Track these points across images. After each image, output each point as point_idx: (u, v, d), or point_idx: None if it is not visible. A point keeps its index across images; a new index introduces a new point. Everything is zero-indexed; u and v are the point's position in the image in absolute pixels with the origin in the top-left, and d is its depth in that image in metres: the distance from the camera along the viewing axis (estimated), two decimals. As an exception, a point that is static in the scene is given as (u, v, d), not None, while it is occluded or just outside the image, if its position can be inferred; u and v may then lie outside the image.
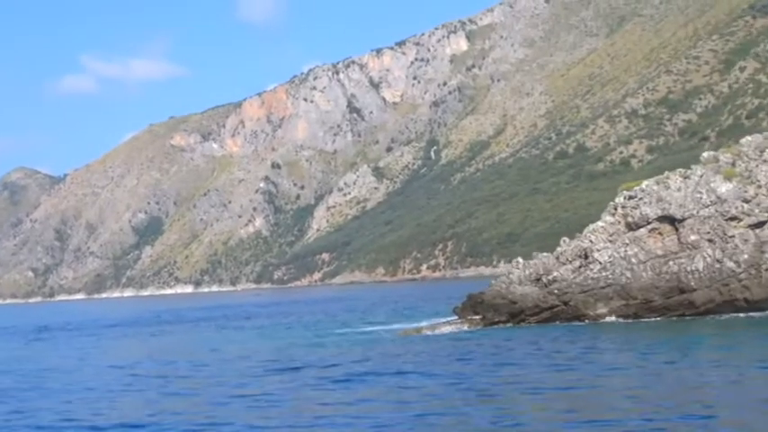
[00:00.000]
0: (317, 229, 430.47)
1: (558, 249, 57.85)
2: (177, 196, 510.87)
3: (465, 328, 57.30)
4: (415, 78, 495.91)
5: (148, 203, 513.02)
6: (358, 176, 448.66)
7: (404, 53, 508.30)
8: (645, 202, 54.77)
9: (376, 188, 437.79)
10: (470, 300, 60.68)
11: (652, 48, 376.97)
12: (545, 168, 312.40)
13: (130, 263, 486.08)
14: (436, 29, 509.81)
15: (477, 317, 58.74)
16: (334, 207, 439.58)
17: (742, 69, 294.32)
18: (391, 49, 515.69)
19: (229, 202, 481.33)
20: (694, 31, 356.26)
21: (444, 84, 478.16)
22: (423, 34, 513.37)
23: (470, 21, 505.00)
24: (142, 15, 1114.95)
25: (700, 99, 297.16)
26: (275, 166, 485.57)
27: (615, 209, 56.89)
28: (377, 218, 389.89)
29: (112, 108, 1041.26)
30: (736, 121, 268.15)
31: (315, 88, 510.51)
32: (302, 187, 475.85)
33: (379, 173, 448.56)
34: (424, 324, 62.04)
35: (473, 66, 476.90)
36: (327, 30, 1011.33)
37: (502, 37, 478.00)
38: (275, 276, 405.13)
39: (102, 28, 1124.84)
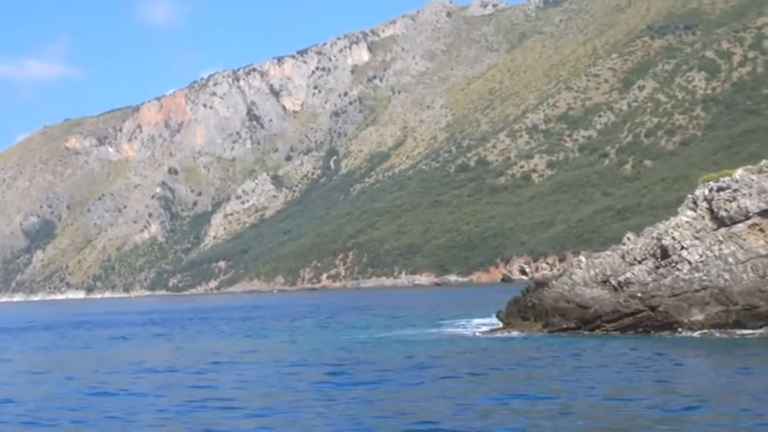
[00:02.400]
0: (214, 237, 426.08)
1: (623, 248, 51.66)
2: (71, 200, 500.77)
3: (524, 333, 51.37)
4: (315, 88, 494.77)
5: (41, 207, 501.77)
6: (257, 184, 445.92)
7: (305, 62, 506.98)
8: (743, 194, 47.76)
9: (275, 196, 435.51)
10: (517, 304, 55.53)
11: (552, 64, 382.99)
12: (446, 181, 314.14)
13: (21, 267, 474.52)
14: (338, 39, 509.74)
15: (527, 323, 53.13)
16: (231, 215, 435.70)
17: (641, 88, 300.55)
18: (293, 57, 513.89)
19: (124, 207, 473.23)
20: (593, 50, 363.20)
21: (345, 94, 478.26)
22: (325, 44, 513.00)
23: (372, 32, 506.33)
24: (38, 16, 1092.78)
25: (599, 116, 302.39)
26: (172, 171, 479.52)
27: (695, 202, 50.34)
28: (275, 226, 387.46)
29: (5, 108, 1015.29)
30: (636, 138, 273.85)
31: (214, 94, 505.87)
32: (200, 194, 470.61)
33: (278, 181, 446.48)
34: (468, 329, 57.73)
35: (374, 77, 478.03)
36: (228, 36, 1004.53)
37: (403, 49, 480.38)
38: (170, 283, 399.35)
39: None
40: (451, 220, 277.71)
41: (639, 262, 49.33)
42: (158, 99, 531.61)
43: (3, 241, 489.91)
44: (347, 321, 79.03)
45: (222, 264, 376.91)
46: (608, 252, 52.72)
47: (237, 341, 60.37)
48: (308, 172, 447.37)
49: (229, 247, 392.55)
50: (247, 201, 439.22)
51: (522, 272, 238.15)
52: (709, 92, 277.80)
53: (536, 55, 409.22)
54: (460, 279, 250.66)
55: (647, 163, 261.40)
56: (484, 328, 56.63)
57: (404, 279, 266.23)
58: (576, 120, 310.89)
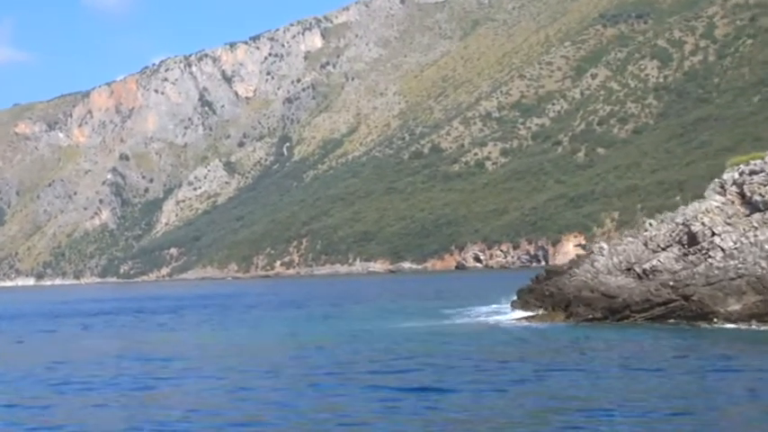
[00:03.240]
0: (166, 224, 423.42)
1: (646, 234, 49.58)
2: (20, 186, 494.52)
3: (546, 323, 48.42)
4: (268, 74, 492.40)
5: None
6: (209, 171, 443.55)
7: (258, 48, 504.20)
8: None
9: (227, 183, 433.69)
10: (532, 293, 54.02)
11: (505, 52, 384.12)
12: (400, 168, 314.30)
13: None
14: (291, 25, 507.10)
15: (546, 312, 50.86)
16: (183, 201, 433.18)
17: (594, 76, 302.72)
18: (245, 43, 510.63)
19: (75, 194, 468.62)
20: (546, 38, 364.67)
21: (298, 80, 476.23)
22: (277, 30, 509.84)
23: (326, 18, 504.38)
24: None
25: (552, 104, 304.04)
26: (124, 157, 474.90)
27: (723, 186, 48.15)
28: (228, 213, 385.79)
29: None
30: (588, 126, 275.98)
31: (166, 80, 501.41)
32: (151, 180, 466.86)
33: (230, 168, 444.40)
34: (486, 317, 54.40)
35: (327, 63, 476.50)
36: (180, 21, 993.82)
37: (357, 36, 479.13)
38: (121, 270, 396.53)
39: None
40: (405, 208, 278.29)
41: (664, 249, 47.53)
42: (109, 84, 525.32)
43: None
44: (336, 312, 72.35)
45: (174, 251, 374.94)
46: (630, 239, 51.23)
47: (240, 333, 54.78)
48: (261, 158, 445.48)
49: (181, 233, 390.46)
50: (199, 187, 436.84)
51: (477, 259, 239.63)
52: (661, 80, 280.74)
53: (489, 42, 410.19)
54: (415, 266, 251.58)
55: (600, 151, 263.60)
56: (497, 317, 53.58)
57: (358, 266, 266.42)
58: (529, 107, 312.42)
